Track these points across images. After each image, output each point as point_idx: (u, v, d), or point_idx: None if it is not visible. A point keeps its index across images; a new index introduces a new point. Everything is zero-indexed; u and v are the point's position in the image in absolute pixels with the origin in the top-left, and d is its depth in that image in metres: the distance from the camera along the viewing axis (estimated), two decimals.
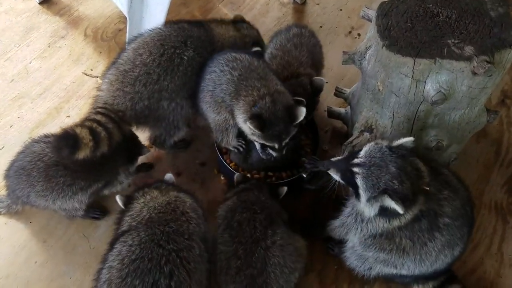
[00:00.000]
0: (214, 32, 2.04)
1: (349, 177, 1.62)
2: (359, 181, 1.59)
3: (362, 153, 1.63)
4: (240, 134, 1.99)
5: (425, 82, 1.74)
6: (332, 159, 1.71)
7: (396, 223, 1.59)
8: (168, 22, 2.01)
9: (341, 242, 1.96)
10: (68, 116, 2.35)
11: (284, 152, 1.92)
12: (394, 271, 1.76)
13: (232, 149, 2.04)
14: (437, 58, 1.66)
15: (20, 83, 2.45)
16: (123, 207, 1.69)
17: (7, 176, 1.88)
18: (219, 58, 1.92)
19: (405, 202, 1.53)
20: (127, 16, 2.05)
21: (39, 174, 1.79)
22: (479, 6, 1.81)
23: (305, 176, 2.03)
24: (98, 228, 2.04)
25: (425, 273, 1.74)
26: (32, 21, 2.70)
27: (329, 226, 1.87)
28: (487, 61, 1.63)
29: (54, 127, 2.29)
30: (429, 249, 1.64)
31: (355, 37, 2.79)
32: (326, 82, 2.25)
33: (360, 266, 1.85)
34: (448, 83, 1.70)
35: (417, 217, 1.58)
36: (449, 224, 1.62)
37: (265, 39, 2.38)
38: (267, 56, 2.24)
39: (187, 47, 1.93)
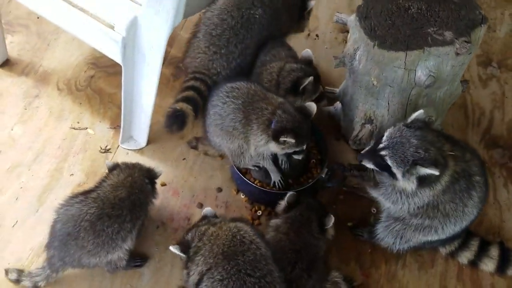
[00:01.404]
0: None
1: (380, 162, 1.79)
2: (388, 161, 1.76)
3: (384, 138, 1.81)
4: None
5: (415, 70, 1.96)
6: (361, 152, 1.87)
7: (438, 187, 1.78)
8: None
9: (368, 226, 2.15)
10: (72, 174, 2.30)
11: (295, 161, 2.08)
12: (434, 237, 1.96)
13: (252, 168, 2.15)
14: (425, 48, 1.89)
15: (9, 153, 2.34)
16: (182, 254, 1.72)
17: (50, 247, 1.85)
18: (218, 92, 2.04)
19: (437, 164, 1.71)
20: (122, 64, 2.06)
21: (87, 234, 1.79)
22: None
23: (323, 176, 2.19)
24: (143, 276, 2.04)
25: (458, 233, 1.97)
26: None
27: (375, 190, 1.97)
28: (466, 41, 1.88)
29: (62, 189, 2.25)
30: (468, 207, 1.86)
31: (314, 39, 2.98)
32: None
33: (397, 242, 2.04)
34: (435, 66, 1.94)
35: (455, 179, 1.79)
36: (479, 181, 1.86)
37: None
38: (255, 76, 2.37)
39: (255, 6, 2.23)
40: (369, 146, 1.87)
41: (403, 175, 1.75)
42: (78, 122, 2.50)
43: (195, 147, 2.39)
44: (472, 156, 1.91)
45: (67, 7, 2.04)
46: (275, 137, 1.89)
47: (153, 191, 2.03)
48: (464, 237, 2.10)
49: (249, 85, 2.04)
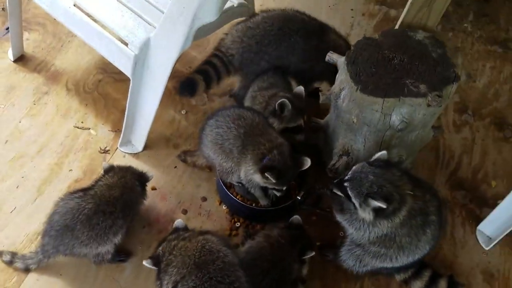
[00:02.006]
0: (329, 34, 2.66)
1: (345, 192, 2.04)
2: (349, 192, 2.01)
3: (350, 171, 2.07)
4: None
5: (391, 114, 2.20)
6: (333, 181, 2.12)
7: (396, 220, 2.00)
8: (296, 10, 2.65)
9: (334, 248, 2.38)
10: (71, 170, 2.51)
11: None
12: (389, 265, 2.19)
13: (236, 184, 2.37)
14: (401, 97, 2.13)
15: (15, 144, 2.55)
16: (155, 267, 1.88)
17: (46, 235, 2.05)
18: (225, 114, 2.25)
19: (388, 200, 1.94)
20: (131, 77, 2.27)
21: (83, 226, 2.00)
22: (423, 49, 2.31)
23: (299, 198, 2.42)
24: (125, 270, 2.24)
25: (411, 263, 2.21)
26: (11, 80, 2.79)
27: (341, 215, 2.18)
28: (438, 95, 2.13)
29: (60, 182, 2.45)
30: (422, 243, 2.09)
31: None
32: None
33: (356, 265, 2.26)
34: (408, 114, 2.18)
35: (412, 215, 2.02)
36: (435, 220, 2.09)
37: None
38: (249, 97, 2.60)
39: (297, 34, 2.54)
40: (341, 177, 2.10)
41: (360, 206, 1.99)
42: (82, 122, 2.70)
43: (184, 160, 2.60)
44: (432, 197, 2.14)
45: (88, 20, 2.26)
46: (261, 171, 2.11)
47: (143, 193, 2.24)
48: (418, 267, 2.33)
49: (254, 117, 2.26)
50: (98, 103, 2.80)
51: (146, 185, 2.29)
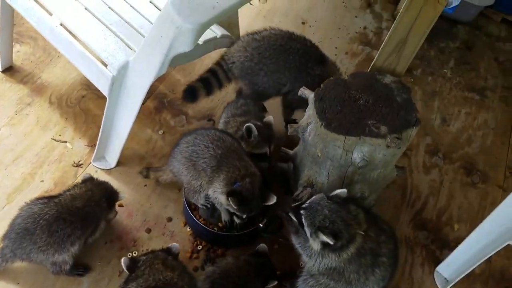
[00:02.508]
0: (329, 65, 2.84)
1: (300, 219, 2.10)
2: (303, 220, 2.09)
3: (309, 200, 2.15)
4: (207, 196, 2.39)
5: (352, 152, 2.28)
6: (291, 205, 2.18)
7: (344, 256, 2.07)
8: (303, 36, 2.82)
9: (292, 278, 2.43)
10: (42, 181, 2.58)
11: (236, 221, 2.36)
12: None
13: (201, 206, 2.44)
14: (361, 136, 2.22)
15: None
16: (126, 270, 1.94)
17: (6, 238, 2.11)
18: (205, 133, 2.33)
19: (337, 236, 2.01)
20: (107, 97, 2.37)
21: (42, 231, 2.06)
22: (389, 92, 2.42)
23: (262, 225, 2.48)
24: (81, 285, 2.28)
25: None
26: None
27: (297, 238, 2.22)
28: (397, 138, 2.22)
29: (31, 192, 2.51)
30: (370, 282, 2.14)
31: None
32: None
33: None
34: (369, 153, 2.27)
35: (361, 253, 2.08)
36: (385, 262, 2.15)
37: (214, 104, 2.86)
38: (222, 123, 2.70)
39: (297, 53, 2.71)
40: (299, 203, 2.16)
41: (310, 235, 2.06)
42: (60, 135, 2.79)
43: (146, 176, 2.66)
44: (387, 239, 2.21)
45: (72, 40, 2.37)
46: (228, 194, 2.19)
47: (109, 210, 2.30)
48: None
49: (233, 142, 2.34)
50: (78, 117, 2.89)
51: (114, 203, 2.35)
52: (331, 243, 2.01)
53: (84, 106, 2.95)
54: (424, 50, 3.95)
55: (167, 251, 2.09)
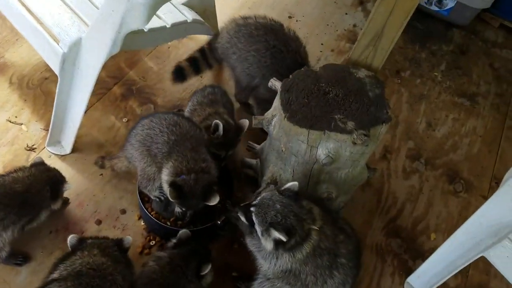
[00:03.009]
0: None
1: (249, 217, 1.93)
2: (254, 218, 1.90)
3: (259, 197, 1.97)
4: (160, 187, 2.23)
5: (317, 147, 2.12)
6: (241, 204, 1.99)
7: (298, 255, 1.90)
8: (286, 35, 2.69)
9: (249, 280, 2.25)
10: None
11: (188, 213, 2.21)
12: None
13: (154, 198, 2.27)
14: (326, 131, 2.05)
15: None
16: (69, 248, 1.86)
17: None
18: (162, 117, 2.17)
19: (290, 232, 1.85)
20: (58, 75, 2.22)
21: None
22: (361, 87, 2.25)
23: (219, 223, 2.31)
24: (19, 275, 2.13)
25: None
26: None
27: (251, 240, 2.05)
28: (364, 134, 2.05)
29: None
30: (328, 285, 1.97)
31: None
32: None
33: None
34: (334, 149, 2.10)
35: (318, 253, 1.91)
36: (345, 264, 1.98)
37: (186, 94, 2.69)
38: (188, 111, 2.54)
39: (269, 50, 2.60)
40: (249, 201, 1.99)
41: (262, 234, 1.89)
42: (16, 117, 2.64)
43: (102, 166, 2.49)
44: (346, 239, 2.04)
45: (25, 13, 2.23)
46: (169, 185, 2.03)
47: (52, 199, 2.14)
48: None
49: (191, 129, 2.18)
50: (38, 100, 2.74)
51: (59, 194, 2.19)
52: (284, 239, 1.84)
53: (46, 89, 2.80)
54: (415, 52, 3.78)
55: (118, 242, 1.98)
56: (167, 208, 2.30)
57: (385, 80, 3.49)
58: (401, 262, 2.59)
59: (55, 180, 2.17)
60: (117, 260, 1.90)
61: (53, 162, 2.48)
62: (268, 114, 2.30)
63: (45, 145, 2.54)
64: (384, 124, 2.12)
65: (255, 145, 2.62)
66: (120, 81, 2.97)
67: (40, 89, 2.80)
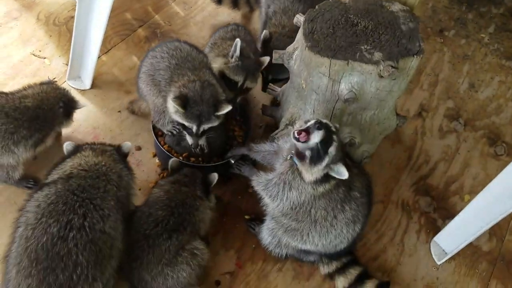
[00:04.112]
0: None
1: (326, 140, 1.73)
2: (332, 147, 1.73)
3: (329, 123, 1.78)
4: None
5: (339, 82, 1.96)
6: (319, 120, 1.77)
7: (320, 189, 1.79)
8: None
9: (262, 222, 2.14)
10: None
11: (199, 141, 2.07)
12: (299, 245, 1.94)
13: (166, 132, 2.19)
14: (350, 60, 1.89)
15: None
16: (65, 153, 1.83)
17: None
18: (164, 44, 2.10)
19: (347, 169, 1.74)
20: (77, 1, 2.18)
21: None
22: (393, 19, 2.06)
23: (233, 162, 2.21)
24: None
25: (327, 249, 1.93)
26: None
27: (257, 179, 1.95)
28: (392, 66, 1.87)
29: None
30: (338, 221, 1.85)
31: None
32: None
33: (272, 243, 2.03)
34: (358, 84, 1.94)
35: (337, 185, 1.80)
36: (358, 198, 1.85)
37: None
38: (209, 45, 2.45)
39: None
40: (322, 120, 1.79)
41: (326, 165, 1.74)
42: (40, 51, 2.63)
43: (133, 111, 2.47)
44: (359, 172, 1.91)
45: None
46: (174, 97, 1.92)
47: (65, 117, 2.10)
48: (346, 262, 2.06)
49: (192, 52, 2.09)
50: (62, 36, 2.73)
51: (71, 111, 2.15)
52: (346, 176, 1.72)
53: (71, 27, 2.72)
54: (461, 12, 3.51)
55: (118, 148, 1.94)
56: (179, 143, 2.21)
57: (426, 38, 3.26)
58: (429, 220, 2.39)
59: (68, 98, 2.12)
60: (114, 160, 1.84)
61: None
62: (290, 47, 2.16)
63: (66, 79, 2.52)
64: (415, 56, 1.93)
65: (276, 87, 2.48)
66: (145, 24, 2.91)
67: (66, 27, 2.78)
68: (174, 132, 2.17)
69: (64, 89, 2.15)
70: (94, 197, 1.65)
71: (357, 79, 1.93)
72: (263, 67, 2.32)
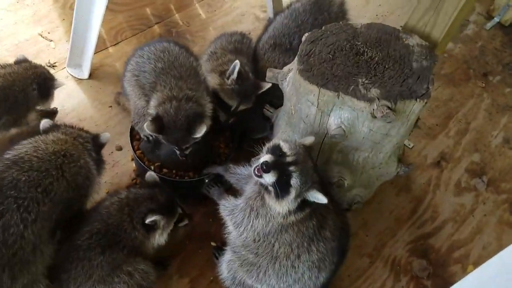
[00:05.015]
0: None
1: (282, 177, 1.54)
2: (294, 179, 1.54)
3: (287, 151, 1.59)
4: None
5: (329, 115, 1.73)
6: (265, 161, 1.56)
7: (292, 218, 1.59)
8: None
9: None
10: None
11: (186, 155, 1.92)
12: (255, 284, 1.73)
13: (143, 137, 2.05)
14: (340, 93, 1.66)
15: None
16: (41, 131, 1.73)
17: None
18: (153, 44, 1.96)
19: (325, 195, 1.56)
20: None
21: None
22: (405, 54, 1.81)
23: (207, 181, 2.02)
24: None
25: None
26: None
27: (225, 203, 1.78)
28: (387, 107, 1.62)
29: None
30: (300, 262, 1.63)
31: None
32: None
33: (228, 277, 1.82)
34: (349, 120, 1.70)
35: (309, 215, 1.60)
36: (328, 240, 1.63)
37: None
38: (206, 53, 2.28)
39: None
40: (270, 156, 1.58)
41: (297, 195, 1.55)
42: (49, 33, 2.59)
43: (118, 102, 2.35)
44: (337, 211, 1.73)
45: None
46: (149, 119, 1.79)
47: (41, 97, 2.00)
48: None
49: (180, 56, 1.93)
50: None
51: (49, 92, 2.04)
52: (326, 202, 1.53)
53: None
54: None
55: (95, 137, 1.83)
56: (154, 151, 2.06)
57: (466, 80, 2.93)
58: (419, 287, 2.09)
59: (43, 77, 2.01)
60: (83, 150, 1.73)
61: (68, 84, 2.39)
62: (286, 68, 1.95)
63: (66, 65, 2.45)
64: (418, 100, 1.66)
65: (272, 109, 2.26)
66: (163, 21, 2.81)
67: None
68: (150, 139, 2.03)
69: (40, 68, 2.03)
70: (22, 196, 1.50)
71: (348, 114, 1.69)
72: (262, 91, 2.12)
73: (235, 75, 2.04)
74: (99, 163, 1.84)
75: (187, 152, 1.91)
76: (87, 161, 1.74)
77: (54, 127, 1.78)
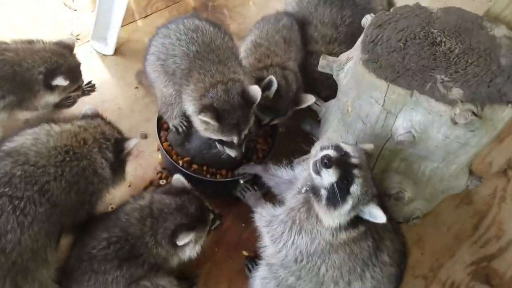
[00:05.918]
0: None
1: (342, 180, 1.30)
2: (355, 186, 1.30)
3: (350, 152, 1.33)
4: (185, 115, 1.73)
5: (396, 116, 1.44)
6: (327, 155, 1.30)
7: (343, 237, 1.35)
8: None
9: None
10: None
11: (243, 149, 1.66)
12: None
13: (172, 127, 1.79)
14: (415, 91, 1.36)
15: None
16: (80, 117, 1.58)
17: None
18: (181, 21, 1.66)
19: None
20: None
21: None
22: (491, 47, 1.49)
23: (242, 181, 1.76)
24: None
25: None
26: None
27: (261, 211, 1.54)
28: (473, 112, 1.31)
29: None
30: None
31: None
32: None
33: None
34: (422, 125, 1.40)
35: (365, 233, 1.37)
36: (386, 265, 1.39)
37: None
38: (249, 41, 1.97)
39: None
40: (333, 152, 1.32)
41: (353, 206, 1.31)
42: (73, 1, 2.34)
43: (140, 82, 2.08)
44: (393, 229, 1.46)
45: None
46: (200, 111, 1.52)
47: (44, 86, 1.74)
48: None
49: (216, 36, 1.65)
50: None
51: (54, 80, 1.75)
52: (384, 220, 1.29)
53: None
54: None
55: (121, 140, 1.58)
56: (183, 144, 1.80)
57: None
58: None
59: (55, 66, 1.74)
60: (102, 152, 1.49)
61: (92, 61, 2.15)
62: (343, 55, 1.65)
63: (90, 39, 2.20)
64: (510, 105, 1.34)
65: (320, 101, 1.96)
66: None
67: None
68: (180, 130, 1.76)
69: (56, 57, 1.76)
70: (18, 195, 1.29)
71: (421, 118, 1.39)
72: (301, 107, 1.83)
73: (271, 93, 1.74)
74: (118, 167, 1.57)
75: (243, 147, 1.64)
76: (94, 163, 1.47)
77: (92, 116, 1.56)
